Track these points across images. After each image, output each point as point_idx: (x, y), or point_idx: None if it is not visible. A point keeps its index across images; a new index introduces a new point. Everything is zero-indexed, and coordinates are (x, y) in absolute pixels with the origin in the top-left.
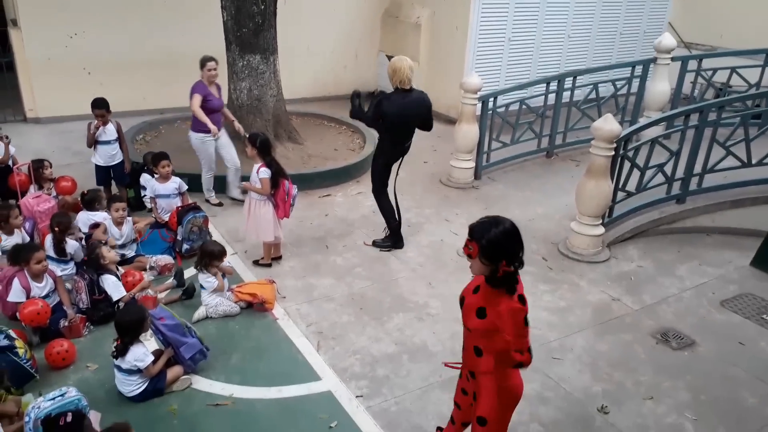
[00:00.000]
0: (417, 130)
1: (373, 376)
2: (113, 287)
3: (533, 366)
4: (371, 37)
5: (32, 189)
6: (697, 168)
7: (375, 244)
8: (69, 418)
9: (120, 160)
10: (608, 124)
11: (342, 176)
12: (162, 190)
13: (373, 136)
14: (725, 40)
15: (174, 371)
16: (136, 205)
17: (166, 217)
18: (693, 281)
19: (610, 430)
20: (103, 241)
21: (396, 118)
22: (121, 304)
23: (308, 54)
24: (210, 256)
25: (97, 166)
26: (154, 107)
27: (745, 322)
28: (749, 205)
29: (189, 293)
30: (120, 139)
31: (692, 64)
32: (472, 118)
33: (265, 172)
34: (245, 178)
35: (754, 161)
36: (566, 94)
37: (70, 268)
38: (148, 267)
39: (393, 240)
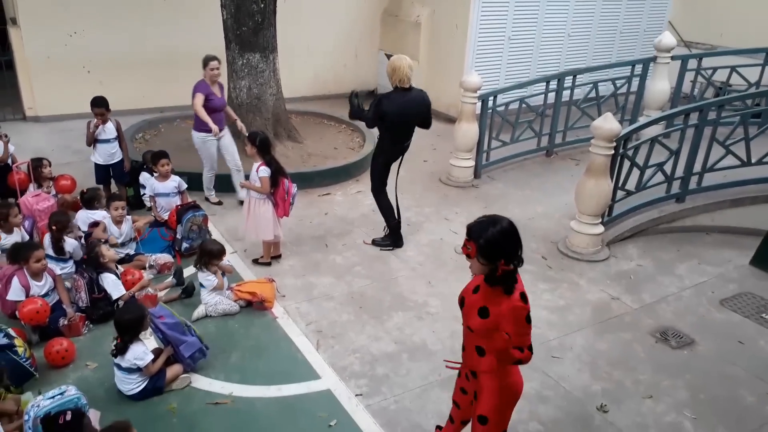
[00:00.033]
0: (416, 129)
1: (373, 375)
2: (113, 286)
3: (533, 365)
4: (371, 35)
5: (31, 187)
6: (697, 167)
7: (375, 242)
8: (68, 417)
9: (119, 159)
10: (608, 123)
11: (342, 175)
12: (161, 189)
13: (372, 135)
14: (725, 39)
15: (173, 370)
16: (136, 204)
17: (165, 216)
18: (692, 280)
19: (609, 428)
20: (104, 240)
21: (396, 117)
22: (121, 303)
23: (308, 52)
24: (209, 255)
25: (97, 165)
26: (153, 106)
27: (745, 321)
28: (749, 204)
29: (188, 292)
30: (119, 138)
31: (692, 63)
32: (472, 117)
33: (265, 171)
34: (246, 177)
35: (753, 160)
36: (566, 93)
37: (69, 267)
38: (147, 265)
39: (393, 239)
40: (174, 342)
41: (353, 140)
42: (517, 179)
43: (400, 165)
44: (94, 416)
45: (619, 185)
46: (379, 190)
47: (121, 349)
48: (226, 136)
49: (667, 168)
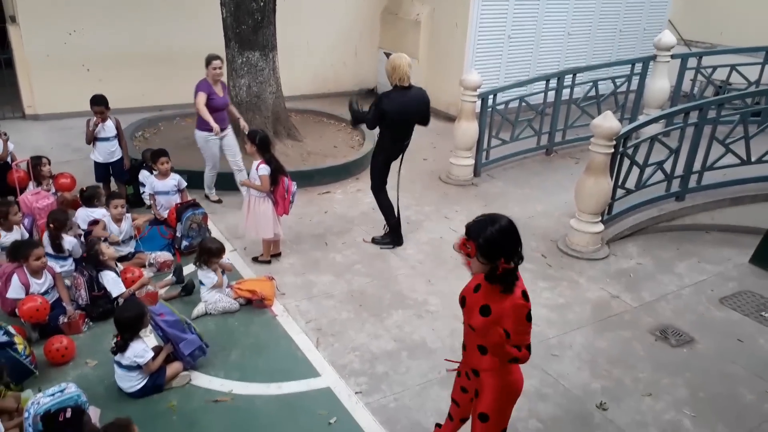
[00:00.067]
0: (415, 127)
1: (373, 373)
2: (112, 283)
3: (532, 362)
4: (371, 34)
5: (31, 186)
6: (697, 165)
7: (374, 241)
8: (68, 414)
9: (119, 157)
10: (608, 122)
11: (341, 173)
12: (161, 187)
13: (372, 133)
14: (725, 38)
15: (173, 367)
16: (135, 202)
17: (165, 214)
18: (692, 278)
19: (608, 426)
20: (104, 238)
21: (396, 115)
22: (121, 301)
23: (308, 51)
24: (208, 254)
25: (96, 163)
26: (153, 104)
27: (744, 319)
28: (748, 203)
29: (188, 290)
30: (119, 136)
31: (692, 62)
32: (472, 116)
33: (265, 169)
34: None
35: (753, 159)
36: (566, 92)
37: (69, 265)
38: (147, 264)
39: (392, 237)
40: (174, 340)
41: (353, 138)
42: (516, 178)
43: (401, 164)
44: (94, 413)
45: (619, 184)
46: (379, 188)
47: (121, 347)
48: (229, 135)
49: (667, 166)
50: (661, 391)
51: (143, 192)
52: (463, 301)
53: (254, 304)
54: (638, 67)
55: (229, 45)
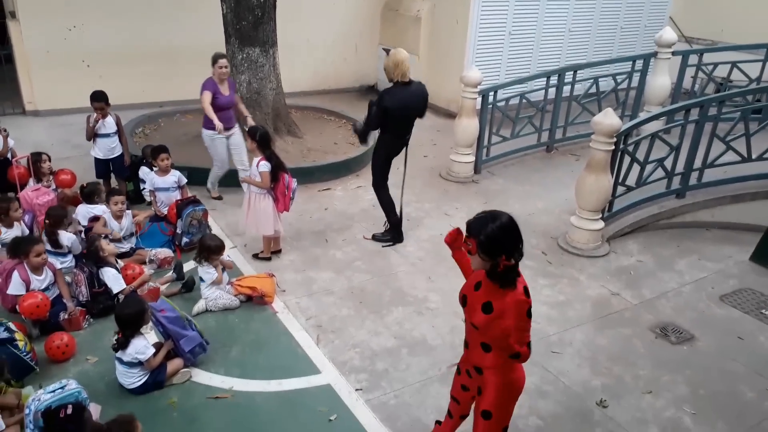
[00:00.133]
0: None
1: (373, 370)
2: (113, 280)
3: (532, 360)
4: (371, 30)
5: (31, 182)
6: (697, 163)
7: (375, 238)
8: (69, 411)
9: (119, 153)
10: (608, 119)
11: (342, 170)
12: (161, 184)
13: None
14: (726, 35)
15: (174, 364)
16: (135, 199)
17: (165, 211)
18: (692, 276)
19: (608, 423)
20: (105, 235)
21: (399, 111)
22: (121, 297)
23: (308, 47)
24: (208, 251)
25: (97, 159)
26: (153, 100)
27: (745, 316)
28: (749, 200)
29: (188, 286)
30: (119, 132)
31: (693, 59)
32: (472, 112)
33: (265, 166)
34: None
35: (754, 156)
36: (566, 89)
37: (69, 261)
38: (147, 260)
39: (393, 234)
40: (174, 336)
41: (353, 135)
42: (517, 175)
43: (406, 162)
44: (94, 410)
45: (620, 181)
46: (380, 185)
47: (122, 344)
48: (236, 134)
49: (668, 164)
50: (661, 389)
51: (143, 188)
52: (464, 299)
53: (254, 300)
54: (639, 64)
55: (229, 41)
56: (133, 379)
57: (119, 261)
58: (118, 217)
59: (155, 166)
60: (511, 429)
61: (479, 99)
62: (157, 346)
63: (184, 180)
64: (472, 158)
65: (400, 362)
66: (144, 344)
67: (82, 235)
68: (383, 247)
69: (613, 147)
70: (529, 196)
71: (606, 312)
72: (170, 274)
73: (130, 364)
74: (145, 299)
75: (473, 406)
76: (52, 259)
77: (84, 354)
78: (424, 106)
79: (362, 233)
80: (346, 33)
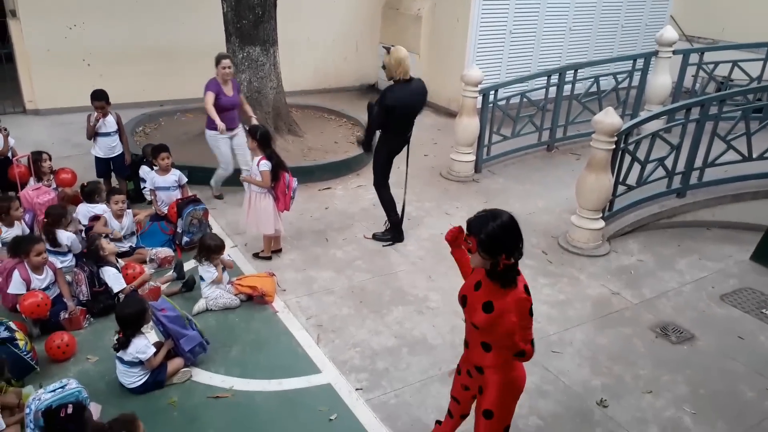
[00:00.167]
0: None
1: (373, 369)
2: (113, 279)
3: (532, 359)
4: (371, 29)
5: (32, 181)
6: (698, 162)
7: (375, 237)
8: (70, 410)
9: (120, 152)
10: (609, 118)
11: (342, 169)
12: (161, 183)
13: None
14: (727, 34)
15: (174, 363)
16: (136, 198)
17: (165, 210)
18: (693, 275)
19: (609, 423)
20: (106, 234)
21: (401, 109)
22: (121, 296)
23: (308, 46)
24: (208, 251)
25: (97, 158)
26: (153, 99)
27: (745, 316)
28: (749, 200)
29: (189, 286)
30: (120, 131)
31: (694, 58)
32: (473, 111)
33: (266, 165)
34: None
35: (754, 155)
36: (567, 88)
37: (69, 260)
38: (148, 259)
39: (393, 233)
40: (174, 335)
41: (354, 134)
42: (517, 174)
43: (408, 159)
44: (95, 409)
45: (620, 180)
46: (381, 183)
47: (123, 344)
48: (240, 134)
49: (668, 163)
50: (661, 388)
51: (144, 188)
52: (464, 300)
53: (255, 300)
54: (640, 63)
55: (229, 40)
56: (134, 378)
57: (120, 260)
58: (118, 216)
59: (156, 165)
60: (512, 429)
61: (480, 98)
62: (158, 346)
63: (185, 179)
64: (473, 157)
65: (401, 361)
66: (145, 344)
67: (83, 234)
68: (384, 246)
69: (614, 146)
70: (530, 195)
71: (606, 311)
72: (171, 273)
73: (131, 364)
74: (145, 298)
75: (474, 405)
76: (52, 259)
77: (84, 353)
78: (425, 101)
79: (363, 232)
80: (347, 32)
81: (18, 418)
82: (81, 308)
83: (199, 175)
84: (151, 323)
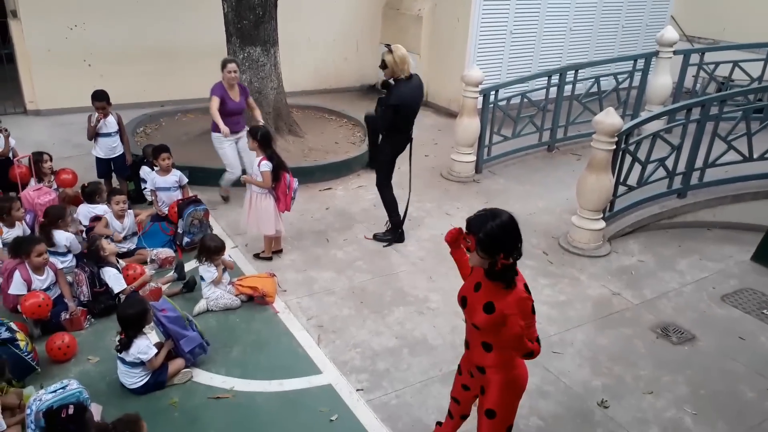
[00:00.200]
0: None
1: (374, 370)
2: (114, 280)
3: (533, 360)
4: (372, 29)
5: (33, 182)
6: (699, 162)
7: (376, 237)
8: (71, 411)
9: (120, 153)
10: (610, 118)
11: (343, 169)
12: (162, 183)
13: None
14: (728, 34)
15: (175, 364)
16: (137, 198)
17: (166, 210)
18: (693, 276)
19: (609, 424)
20: (107, 236)
21: (406, 107)
22: (122, 297)
23: (309, 46)
24: (208, 252)
25: (98, 159)
26: (154, 99)
27: (745, 316)
28: (750, 200)
29: (190, 286)
30: (120, 132)
31: (694, 58)
32: (473, 112)
33: (267, 165)
34: None
35: (755, 156)
36: (568, 88)
37: (70, 261)
38: (148, 260)
39: (394, 234)
40: (174, 336)
41: (354, 135)
42: (518, 174)
43: (411, 159)
44: (96, 410)
45: (621, 180)
46: (384, 183)
47: (125, 344)
48: (245, 138)
49: (669, 163)
50: (662, 389)
51: (144, 188)
52: (464, 301)
53: (255, 300)
54: (640, 63)
55: (230, 40)
56: (135, 379)
57: (120, 261)
58: (119, 216)
59: (156, 166)
60: (513, 429)
61: (480, 98)
62: (158, 346)
63: (185, 179)
64: (473, 158)
65: (401, 362)
66: (147, 344)
67: (84, 234)
68: (384, 246)
69: (615, 146)
70: (530, 195)
71: (607, 312)
72: (171, 273)
73: (132, 364)
74: (146, 299)
75: (476, 406)
76: (53, 259)
77: (85, 354)
78: (423, 97)
79: (363, 233)
80: (347, 32)
81: (19, 419)
82: (82, 309)
83: (199, 176)
84: (152, 324)
